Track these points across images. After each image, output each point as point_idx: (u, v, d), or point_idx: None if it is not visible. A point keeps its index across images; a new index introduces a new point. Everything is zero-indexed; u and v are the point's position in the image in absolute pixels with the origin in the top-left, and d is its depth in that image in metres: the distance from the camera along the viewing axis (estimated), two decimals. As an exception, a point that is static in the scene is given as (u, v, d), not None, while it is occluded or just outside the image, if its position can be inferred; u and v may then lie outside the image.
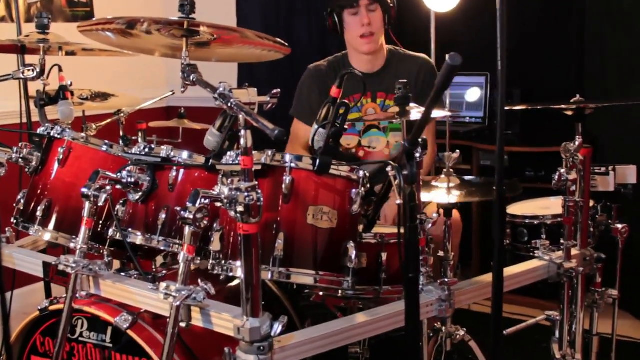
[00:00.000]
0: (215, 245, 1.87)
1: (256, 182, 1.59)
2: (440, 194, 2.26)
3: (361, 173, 1.88)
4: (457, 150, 2.31)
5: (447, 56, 1.34)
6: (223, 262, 1.85)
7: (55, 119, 2.45)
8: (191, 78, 1.72)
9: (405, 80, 1.99)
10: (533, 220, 2.52)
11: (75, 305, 1.96)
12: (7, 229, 2.35)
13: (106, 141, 2.28)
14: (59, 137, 2.29)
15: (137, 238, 2.06)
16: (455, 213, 2.71)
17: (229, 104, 1.56)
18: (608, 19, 3.74)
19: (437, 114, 2.31)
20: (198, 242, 1.74)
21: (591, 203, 2.42)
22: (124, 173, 2.03)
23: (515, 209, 2.65)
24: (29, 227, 2.25)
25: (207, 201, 1.69)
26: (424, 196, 2.19)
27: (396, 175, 1.59)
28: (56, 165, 2.26)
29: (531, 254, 2.44)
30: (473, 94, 4.17)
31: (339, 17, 2.92)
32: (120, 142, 3.16)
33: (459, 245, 2.89)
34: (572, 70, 3.98)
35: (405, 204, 1.57)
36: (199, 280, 1.78)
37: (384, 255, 2.10)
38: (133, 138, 3.42)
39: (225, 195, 1.58)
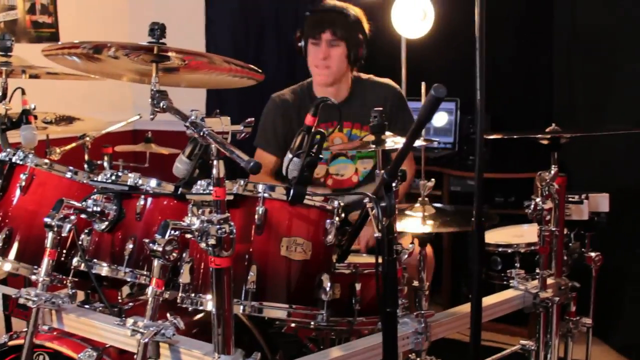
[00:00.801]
0: (185, 277, 1.80)
1: (229, 214, 1.53)
2: (415, 223, 2.22)
3: (335, 203, 1.84)
4: (433, 179, 2.27)
5: (432, 88, 1.31)
6: (192, 295, 1.78)
7: (18, 143, 2.37)
8: (161, 105, 1.66)
9: (381, 108, 1.95)
10: (507, 248, 2.50)
11: (37, 340, 1.87)
12: (-35, 258, 2.24)
13: (71, 167, 2.21)
14: (21, 163, 2.21)
15: (103, 269, 1.98)
16: (428, 248, 2.68)
17: (201, 133, 1.51)
18: (575, 47, 3.78)
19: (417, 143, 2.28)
20: (167, 275, 1.66)
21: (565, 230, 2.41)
22: (89, 202, 1.95)
23: (488, 236, 2.62)
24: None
25: (176, 233, 1.63)
26: (399, 225, 2.16)
27: (374, 207, 1.54)
28: (18, 192, 2.18)
29: (505, 283, 2.42)
30: (441, 119, 4.16)
31: (305, 44, 2.89)
32: (86, 166, 3.10)
33: (431, 281, 2.85)
34: (542, 97, 4.01)
35: (382, 237, 1.53)
36: (168, 315, 1.71)
37: (358, 286, 2.06)
38: (99, 162, 3.36)
39: (196, 227, 1.52)
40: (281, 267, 1.77)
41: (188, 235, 1.60)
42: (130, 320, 1.64)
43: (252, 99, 4.16)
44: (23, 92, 2.54)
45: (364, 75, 3.06)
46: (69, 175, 2.20)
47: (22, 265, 2.12)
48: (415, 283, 2.23)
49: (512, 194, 3.75)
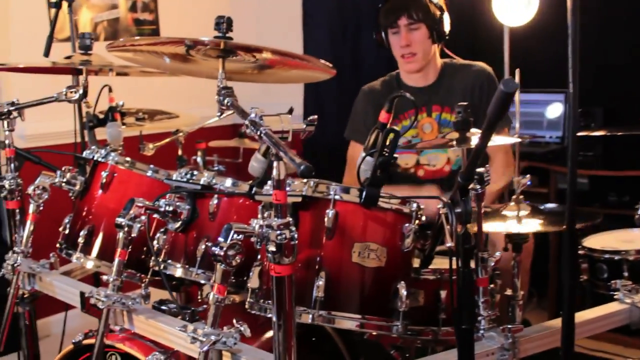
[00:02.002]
0: (254, 281, 1.72)
1: (290, 219, 1.43)
2: (509, 224, 2.04)
3: (414, 205, 1.70)
4: (528, 175, 2.08)
5: (502, 82, 1.16)
6: (261, 301, 1.70)
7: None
8: (225, 102, 1.58)
9: (466, 103, 1.79)
10: (613, 255, 2.26)
11: (108, 341, 1.84)
12: (51, 255, 2.27)
13: (152, 166, 2.17)
14: (102, 160, 2.20)
15: (177, 270, 1.94)
16: (526, 251, 2.48)
17: (259, 133, 1.41)
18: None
19: (505, 140, 2.10)
20: (229, 280, 1.58)
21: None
22: (162, 201, 1.91)
23: (594, 241, 2.40)
24: (71, 254, 2.17)
25: (240, 237, 1.54)
26: (490, 226, 1.99)
27: (447, 214, 1.40)
28: (99, 190, 2.18)
29: (611, 294, 2.19)
30: (553, 112, 3.89)
31: (385, 34, 2.78)
32: (177, 162, 3.10)
33: (529, 270, 2.65)
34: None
35: (457, 247, 1.38)
36: (234, 321, 1.63)
37: (443, 294, 1.91)
38: (194, 158, 3.35)
39: (256, 232, 1.43)
40: (353, 275, 1.65)
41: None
42: (190, 327, 1.57)
43: (350, 94, 4.06)
44: (110, 90, 2.55)
45: (455, 61, 2.91)
46: (149, 173, 2.17)
47: (104, 264, 2.12)
48: (508, 291, 2.05)
49: (627, 194, 3.45)
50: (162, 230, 2.01)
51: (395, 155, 1.63)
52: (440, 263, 2.18)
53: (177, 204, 1.93)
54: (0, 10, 3.67)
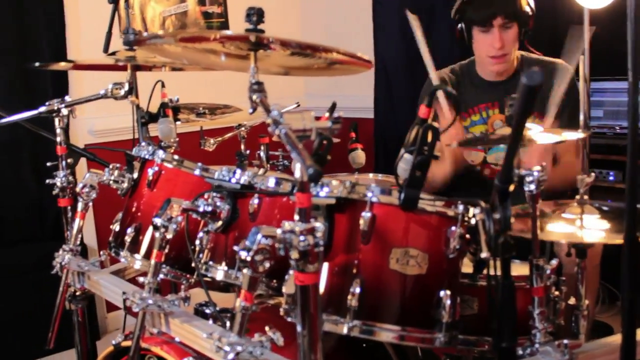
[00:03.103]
0: (289, 287, 1.63)
1: (315, 224, 1.33)
2: (570, 228, 1.87)
3: (460, 208, 1.56)
4: (592, 174, 1.90)
5: (524, 75, 1.02)
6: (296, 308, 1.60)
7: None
8: (254, 97, 1.49)
9: (516, 95, 1.63)
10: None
11: (144, 344, 1.80)
12: (101, 253, 2.25)
13: (200, 164, 2.11)
14: (150, 158, 2.15)
15: (218, 272, 1.88)
16: (593, 258, 2.30)
17: (277, 131, 1.32)
18: None
19: (571, 135, 1.92)
20: (257, 287, 1.50)
21: None
22: (201, 201, 1.84)
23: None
24: (119, 253, 2.14)
25: (268, 241, 1.45)
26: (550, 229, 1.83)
27: (485, 220, 1.26)
28: (146, 188, 2.14)
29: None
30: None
31: (468, 29, 2.59)
32: (236, 157, 3.05)
33: (598, 276, 2.45)
34: None
35: (495, 257, 1.24)
36: (267, 328, 1.55)
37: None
38: (257, 153, 3.29)
39: (278, 238, 1.33)
40: (391, 283, 1.54)
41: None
42: (216, 335, 1.49)
43: (421, 83, 3.92)
44: (163, 85, 2.52)
45: (533, 55, 2.72)
46: (197, 172, 2.11)
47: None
48: (572, 300, 1.89)
49: None
50: (205, 230, 1.95)
51: (436, 154, 1.50)
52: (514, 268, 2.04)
53: (218, 203, 1.87)
54: (70, 8, 3.71)
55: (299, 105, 3.37)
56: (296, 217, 1.34)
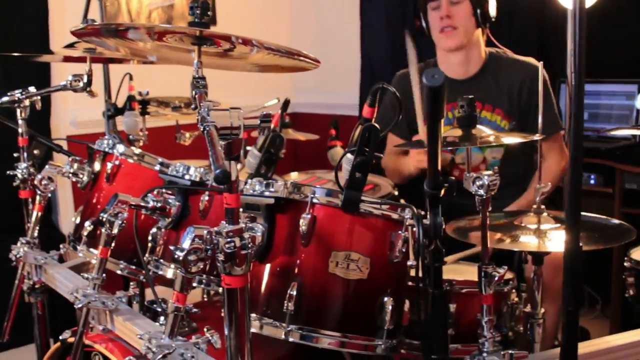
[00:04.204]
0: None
1: (242, 225, 1.29)
2: (526, 237, 1.83)
3: (406, 211, 1.52)
4: (549, 183, 1.86)
5: (424, 74, 0.97)
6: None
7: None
8: (193, 93, 1.45)
9: (471, 97, 1.59)
10: (665, 269, 2.01)
11: (88, 341, 1.76)
12: (61, 246, 2.21)
13: (161, 159, 2.07)
14: (109, 151, 2.11)
15: (168, 271, 1.84)
16: (557, 266, 2.24)
17: (203, 129, 1.28)
18: None
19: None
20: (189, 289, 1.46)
21: None
22: (150, 197, 1.80)
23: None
24: (76, 247, 2.11)
25: (200, 242, 1.41)
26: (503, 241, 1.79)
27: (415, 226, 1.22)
28: (105, 182, 2.10)
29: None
30: (624, 104, 3.55)
31: (425, 15, 2.58)
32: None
33: (559, 284, 2.39)
34: None
35: (425, 265, 1.20)
36: (205, 329, 1.51)
37: (453, 307, 1.74)
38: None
39: (204, 239, 1.30)
40: (330, 287, 1.50)
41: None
42: (146, 336, 1.46)
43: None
44: (131, 78, 2.49)
45: (501, 51, 2.67)
46: (157, 167, 2.06)
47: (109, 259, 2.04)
48: (527, 308, 1.85)
49: None
50: (158, 226, 1.91)
51: (378, 154, 1.45)
52: (464, 271, 2.00)
53: (168, 200, 1.83)
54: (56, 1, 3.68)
55: (278, 101, 3.34)
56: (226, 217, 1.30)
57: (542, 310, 1.83)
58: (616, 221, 1.98)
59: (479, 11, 2.50)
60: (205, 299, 2.39)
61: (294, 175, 3.43)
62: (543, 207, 1.84)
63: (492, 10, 2.54)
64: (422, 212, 1.33)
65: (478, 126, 1.63)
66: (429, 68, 2.69)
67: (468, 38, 2.56)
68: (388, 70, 4.03)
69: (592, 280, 3.54)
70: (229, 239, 1.28)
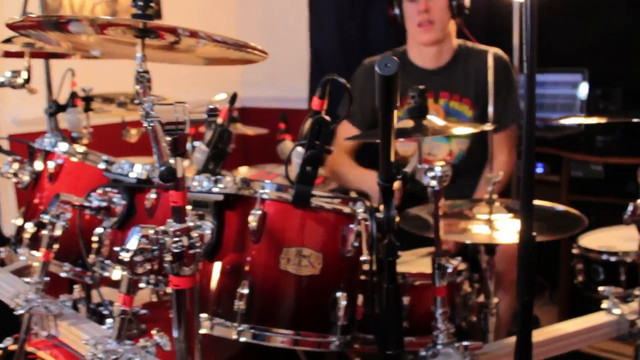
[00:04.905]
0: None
1: (190, 224, 1.25)
2: (478, 227, 1.83)
3: (358, 205, 1.49)
4: (500, 172, 1.86)
5: (377, 63, 0.95)
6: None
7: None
8: (137, 88, 1.39)
9: (423, 87, 1.58)
10: (610, 256, 2.03)
11: (31, 348, 1.70)
12: (1, 249, 2.13)
13: (106, 157, 2.00)
14: (51, 150, 2.04)
15: (114, 272, 1.78)
16: (511, 255, 2.25)
17: (147, 124, 1.23)
18: None
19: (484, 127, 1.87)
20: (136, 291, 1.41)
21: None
22: (94, 196, 1.75)
23: (591, 239, 2.16)
24: (17, 250, 2.03)
25: (147, 241, 1.36)
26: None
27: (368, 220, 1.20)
28: (47, 181, 2.02)
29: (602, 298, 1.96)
30: (570, 93, 3.59)
31: (399, 5, 2.57)
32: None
33: (513, 302, 2.42)
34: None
35: (379, 259, 1.18)
36: (153, 332, 1.46)
37: (406, 300, 1.73)
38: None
39: (150, 239, 1.25)
40: (282, 284, 1.46)
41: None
42: (92, 341, 1.40)
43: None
44: (73, 74, 2.41)
45: (469, 43, 2.68)
46: (102, 165, 2.00)
47: (53, 262, 1.96)
48: (480, 298, 1.85)
49: (648, 183, 3.15)
50: (103, 226, 1.85)
51: (328, 147, 1.43)
52: (417, 263, 1.99)
53: (113, 199, 1.77)
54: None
55: (227, 95, 3.27)
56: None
57: (496, 300, 1.84)
58: (563, 208, 2.01)
59: (455, 3, 2.50)
60: (155, 299, 2.33)
61: (244, 170, 3.39)
62: (495, 196, 1.83)
63: (467, 2, 2.55)
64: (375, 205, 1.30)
65: (429, 117, 1.61)
66: (396, 56, 2.71)
67: (444, 32, 2.58)
68: (338, 62, 4.02)
69: (540, 267, 3.58)
70: (176, 239, 1.24)
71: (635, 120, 1.70)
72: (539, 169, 3.41)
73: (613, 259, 2.01)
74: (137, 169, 1.82)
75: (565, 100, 3.58)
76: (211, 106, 1.40)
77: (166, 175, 1.12)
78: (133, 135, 3.01)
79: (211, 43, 1.52)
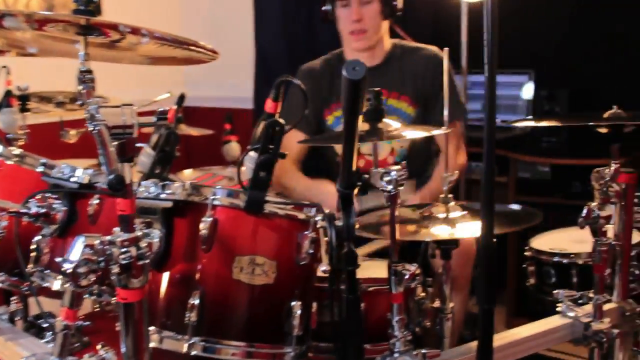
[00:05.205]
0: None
1: (139, 234, 1.18)
2: (437, 227, 1.79)
3: (312, 211, 1.44)
4: (456, 172, 1.83)
5: (344, 66, 0.90)
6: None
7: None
8: (80, 88, 1.31)
9: (378, 89, 1.54)
10: (562, 258, 2.03)
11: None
12: None
13: (44, 160, 1.89)
14: (-18, 152, 1.93)
15: (55, 282, 1.69)
16: (465, 257, 2.24)
17: (91, 128, 1.15)
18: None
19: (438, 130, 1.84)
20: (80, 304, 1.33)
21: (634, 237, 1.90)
22: (32, 202, 1.65)
23: (543, 241, 2.16)
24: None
25: (92, 252, 1.28)
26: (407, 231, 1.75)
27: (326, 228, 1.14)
28: (-22, 187, 1.91)
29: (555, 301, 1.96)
30: (517, 94, 3.62)
31: (332, 7, 2.52)
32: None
33: (469, 282, 2.41)
34: (632, 68, 3.40)
35: (338, 268, 1.13)
36: (98, 347, 1.38)
37: (361, 306, 1.67)
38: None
39: (96, 250, 1.17)
40: (235, 294, 1.40)
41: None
42: (32, 358, 1.32)
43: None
44: (8, 72, 2.29)
45: (404, 41, 2.66)
46: (40, 169, 1.89)
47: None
48: (436, 303, 1.82)
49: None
50: (42, 234, 1.75)
51: (283, 152, 1.37)
52: (367, 267, 1.95)
53: (53, 205, 1.68)
54: None
55: (171, 95, 3.18)
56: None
57: (452, 304, 1.81)
58: (517, 206, 2.00)
59: (387, 9, 2.48)
60: (97, 308, 2.23)
61: (188, 173, 3.29)
62: (451, 196, 1.80)
63: (400, 3, 2.53)
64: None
65: (385, 120, 1.57)
66: (334, 58, 2.68)
67: (377, 37, 2.56)
68: (283, 62, 3.96)
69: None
70: (124, 249, 1.16)
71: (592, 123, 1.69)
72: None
73: (565, 261, 2.01)
74: (79, 173, 1.72)
75: (513, 101, 3.60)
76: (161, 109, 1.32)
77: (115, 184, 1.04)
78: (72, 136, 2.89)
79: (156, 41, 1.45)
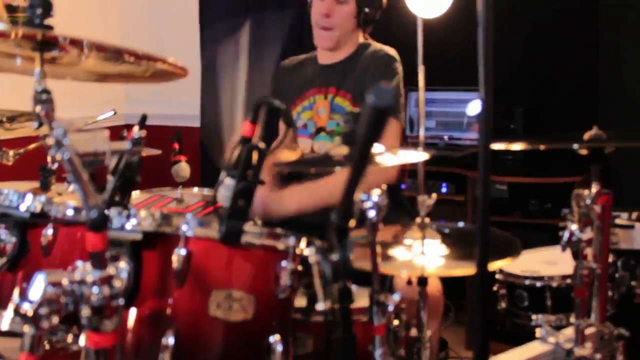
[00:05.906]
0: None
1: (111, 272, 1.06)
2: (412, 255, 1.72)
3: (291, 240, 1.34)
4: (434, 194, 1.76)
5: (371, 92, 0.81)
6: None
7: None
8: (37, 110, 1.19)
9: (357, 111, 1.46)
10: (535, 281, 1.99)
11: None
12: None
13: (-13, 185, 1.74)
14: None
15: (2, 321, 1.53)
16: (434, 282, 2.18)
17: (59, 155, 1.04)
18: (627, 33, 3.21)
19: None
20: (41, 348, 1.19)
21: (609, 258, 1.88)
22: (-22, 233, 1.50)
23: (513, 264, 2.11)
24: None
25: (57, 289, 1.15)
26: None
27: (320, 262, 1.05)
28: None
29: (533, 326, 1.91)
30: (472, 112, 3.60)
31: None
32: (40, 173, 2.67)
33: (439, 330, 2.34)
34: (584, 87, 3.44)
35: (335, 306, 1.04)
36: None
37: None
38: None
39: (65, 290, 1.05)
40: (211, 331, 1.29)
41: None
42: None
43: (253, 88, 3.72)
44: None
45: (370, 41, 2.59)
46: (-17, 195, 1.73)
47: None
48: (413, 332, 1.74)
49: (549, 201, 3.19)
50: (-13, 266, 1.60)
51: (262, 179, 1.27)
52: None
53: (1, 236, 1.53)
54: None
55: (115, 114, 3.04)
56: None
57: (429, 332, 1.74)
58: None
59: (362, 15, 2.41)
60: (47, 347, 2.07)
61: (136, 195, 3.14)
62: (427, 220, 1.73)
63: (377, 14, 2.48)
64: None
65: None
66: (309, 56, 2.60)
67: (345, 40, 2.49)
68: (230, 77, 3.85)
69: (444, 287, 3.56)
70: (96, 289, 1.04)
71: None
72: (443, 189, 3.39)
73: (538, 284, 1.97)
74: (29, 200, 1.58)
75: (459, 118, 3.58)
76: (136, 135, 1.21)
77: (98, 224, 0.92)
78: (10, 157, 2.71)
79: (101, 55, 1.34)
